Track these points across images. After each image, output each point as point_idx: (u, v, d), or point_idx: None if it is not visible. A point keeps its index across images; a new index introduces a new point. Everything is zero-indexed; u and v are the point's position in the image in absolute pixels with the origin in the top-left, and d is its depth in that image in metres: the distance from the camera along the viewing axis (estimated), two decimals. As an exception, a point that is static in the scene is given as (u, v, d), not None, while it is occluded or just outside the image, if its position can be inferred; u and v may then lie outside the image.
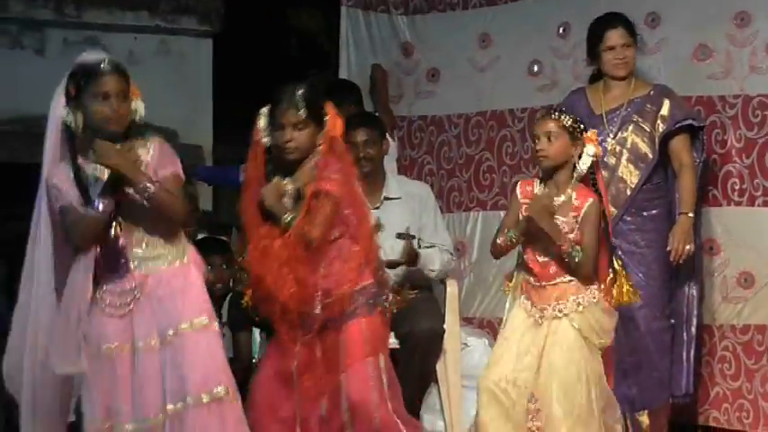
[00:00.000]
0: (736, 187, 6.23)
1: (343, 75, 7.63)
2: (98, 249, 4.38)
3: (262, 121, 4.88)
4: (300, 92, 4.78)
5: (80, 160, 4.37)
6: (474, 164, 7.20)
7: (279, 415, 4.81)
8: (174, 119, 7.71)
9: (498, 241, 5.17)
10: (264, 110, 4.89)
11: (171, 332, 4.39)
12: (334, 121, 4.87)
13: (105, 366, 4.39)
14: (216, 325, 4.51)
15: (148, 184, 4.31)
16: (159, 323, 4.40)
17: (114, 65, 4.37)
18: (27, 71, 7.75)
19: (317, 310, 4.76)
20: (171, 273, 4.46)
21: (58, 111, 4.38)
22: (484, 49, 7.20)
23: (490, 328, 6.94)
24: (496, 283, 7.00)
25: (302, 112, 4.77)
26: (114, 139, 4.34)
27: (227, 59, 8.39)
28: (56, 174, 4.37)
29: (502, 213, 6.97)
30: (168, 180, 4.41)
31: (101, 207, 4.30)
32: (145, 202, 4.34)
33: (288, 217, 4.73)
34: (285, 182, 4.83)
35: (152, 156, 4.42)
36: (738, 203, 6.23)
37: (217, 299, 6.50)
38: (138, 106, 4.43)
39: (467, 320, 6.83)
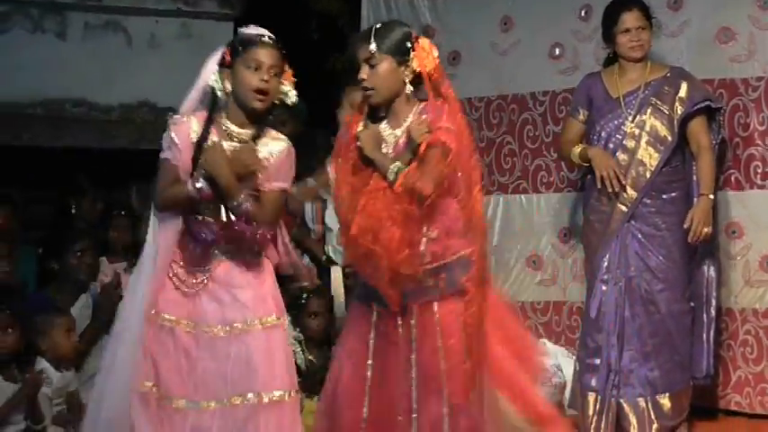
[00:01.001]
0: (759, 170, 6.21)
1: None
2: (191, 226, 4.32)
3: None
4: (377, 26, 4.38)
5: (212, 134, 4.28)
6: (495, 147, 7.18)
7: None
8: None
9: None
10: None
11: (239, 325, 4.34)
12: (421, 55, 4.36)
13: (159, 334, 4.35)
14: (285, 322, 4.45)
15: (243, 202, 4.23)
16: (227, 313, 4.34)
17: (275, 40, 4.29)
18: (48, 55, 7.78)
19: (422, 277, 4.31)
20: (244, 264, 4.38)
21: (208, 73, 4.30)
22: (505, 32, 7.18)
23: (511, 311, 6.95)
24: (517, 266, 7.00)
25: (373, 46, 4.32)
26: (256, 114, 4.27)
27: (248, 43, 8.38)
28: (180, 128, 4.27)
29: (524, 197, 7.03)
30: (273, 193, 4.30)
31: (199, 187, 4.21)
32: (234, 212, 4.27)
33: (395, 167, 4.28)
34: (383, 127, 4.42)
35: (275, 159, 4.32)
36: (762, 187, 6.21)
37: None
38: (290, 91, 4.33)
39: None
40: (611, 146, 5.91)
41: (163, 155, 4.29)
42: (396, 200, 4.25)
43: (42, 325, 5.67)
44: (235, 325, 4.34)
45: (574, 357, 6.16)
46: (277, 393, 4.31)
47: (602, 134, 5.94)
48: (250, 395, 4.29)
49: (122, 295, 5.77)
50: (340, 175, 4.45)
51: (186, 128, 4.27)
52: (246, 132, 4.31)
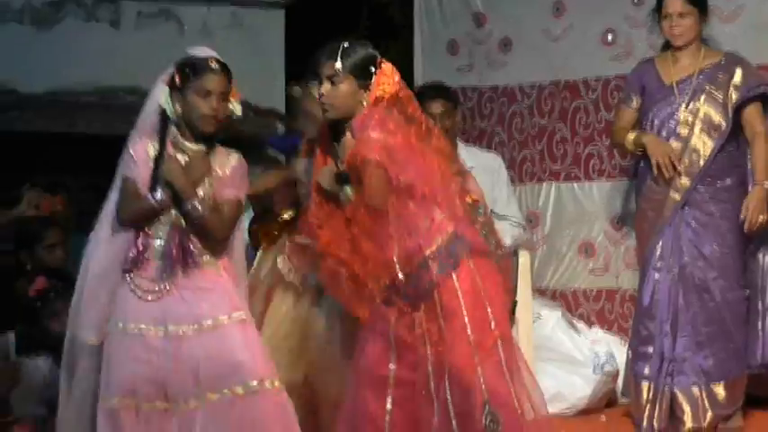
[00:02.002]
0: (815, 156, 6.14)
1: (414, 47, 7.62)
2: (138, 234, 4.41)
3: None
4: (344, 45, 4.41)
5: (167, 148, 4.41)
6: (547, 135, 7.16)
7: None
8: (246, 90, 7.68)
9: None
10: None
11: (209, 322, 4.38)
12: (381, 80, 4.40)
13: (129, 345, 4.36)
14: (252, 319, 4.49)
15: (197, 205, 4.35)
16: (194, 312, 4.38)
17: (222, 64, 4.41)
18: (102, 44, 7.84)
19: (400, 276, 4.34)
20: (202, 273, 4.43)
21: (159, 95, 4.43)
22: (557, 17, 7.15)
23: (563, 299, 6.94)
24: (569, 254, 6.98)
25: (338, 65, 4.38)
26: (204, 137, 4.41)
27: (299, 31, 8.40)
28: (138, 146, 4.42)
29: (575, 185, 7.00)
30: (227, 203, 4.42)
31: (158, 198, 4.36)
32: (191, 218, 4.37)
33: (344, 196, 4.44)
34: (347, 144, 4.47)
35: (226, 170, 4.45)
36: (817, 172, 6.14)
37: None
38: (236, 107, 4.46)
39: (539, 292, 6.82)
40: (663, 133, 5.86)
41: (123, 173, 4.43)
42: (354, 222, 4.37)
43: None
44: (204, 323, 4.38)
45: (626, 345, 6.13)
46: (252, 383, 4.32)
47: (655, 121, 5.90)
48: (225, 390, 4.31)
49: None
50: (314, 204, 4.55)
51: (143, 146, 4.41)
52: (199, 148, 4.43)
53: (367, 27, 9.12)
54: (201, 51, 4.47)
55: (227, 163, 4.46)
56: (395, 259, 4.35)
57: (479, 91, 7.43)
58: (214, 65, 4.39)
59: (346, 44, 4.40)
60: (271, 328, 5.01)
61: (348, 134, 4.44)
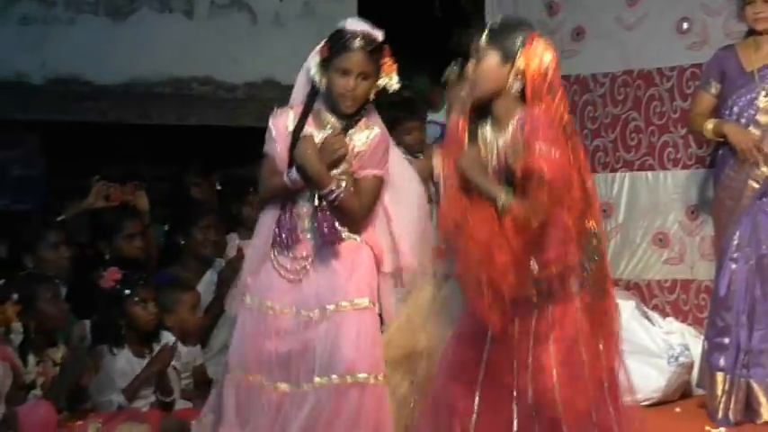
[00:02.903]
0: None
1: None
2: (285, 214, 4.43)
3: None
4: (496, 21, 4.23)
5: (306, 124, 4.41)
6: (620, 124, 7.10)
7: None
8: (319, 81, 7.75)
9: None
10: None
11: (331, 307, 4.41)
12: (528, 55, 4.08)
13: (262, 322, 4.45)
14: (376, 308, 4.49)
15: (334, 189, 4.35)
16: (322, 297, 4.42)
17: (366, 42, 4.37)
18: (175, 34, 7.87)
19: (533, 296, 4.11)
20: (342, 249, 4.45)
21: (311, 65, 4.42)
22: (632, 6, 7.08)
23: (637, 290, 6.88)
24: (643, 244, 6.92)
25: (483, 39, 4.10)
26: (343, 116, 4.39)
27: (371, 20, 8.38)
28: (279, 118, 4.44)
29: (650, 174, 6.94)
30: (366, 180, 4.41)
31: (292, 177, 4.37)
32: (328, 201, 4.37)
33: (502, 201, 4.05)
34: (487, 130, 4.17)
35: (367, 147, 4.44)
36: None
37: None
38: (388, 83, 4.44)
39: (614, 282, 6.75)
40: (743, 120, 5.81)
41: (264, 148, 4.46)
42: (503, 231, 4.06)
43: (169, 301, 5.77)
44: (328, 307, 4.41)
45: (701, 337, 6.08)
46: (361, 376, 4.34)
47: (735, 109, 5.83)
48: (334, 376, 4.35)
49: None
50: (449, 189, 4.24)
51: (284, 120, 4.43)
52: (341, 122, 4.41)
53: (439, 15, 9.09)
54: (352, 25, 4.43)
55: (370, 137, 4.43)
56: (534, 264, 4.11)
57: (551, 79, 7.37)
58: (357, 43, 4.35)
59: (499, 20, 4.25)
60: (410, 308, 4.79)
61: (516, 122, 4.10)
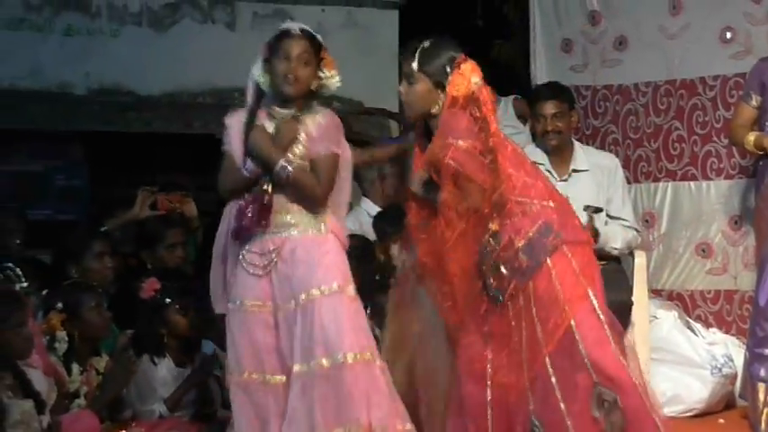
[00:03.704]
0: None
1: (530, 45, 7.59)
2: (248, 209, 4.51)
3: None
4: (424, 45, 4.51)
5: (257, 119, 4.57)
6: (663, 133, 7.07)
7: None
8: (360, 90, 7.79)
9: None
10: None
11: (303, 296, 4.48)
12: (456, 80, 4.44)
13: (249, 321, 4.53)
14: (350, 290, 4.53)
15: (284, 164, 4.44)
16: (294, 287, 4.49)
17: (304, 31, 4.57)
18: (218, 45, 7.93)
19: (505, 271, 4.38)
20: (308, 240, 4.54)
21: (254, 70, 4.63)
22: (674, 15, 7.05)
23: (680, 300, 6.84)
24: (686, 254, 6.89)
25: (414, 65, 4.48)
26: (287, 101, 4.51)
27: (413, 30, 8.40)
28: (234, 119, 4.63)
29: (692, 184, 6.91)
30: (319, 159, 4.50)
31: (248, 167, 4.51)
32: (281, 180, 4.47)
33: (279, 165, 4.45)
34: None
35: (315, 128, 4.53)
36: None
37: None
38: (328, 78, 4.57)
39: (656, 292, 6.74)
40: (782, 133, 5.79)
41: (222, 147, 4.62)
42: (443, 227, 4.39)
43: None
44: (300, 297, 4.47)
45: (745, 347, 6.04)
46: (342, 355, 4.39)
47: None
48: (312, 362, 4.40)
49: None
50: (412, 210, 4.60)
51: (238, 118, 4.61)
52: (289, 112, 4.54)
53: (480, 25, 9.10)
54: (287, 25, 4.64)
55: (317, 120, 4.53)
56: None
57: (593, 89, 7.36)
58: (294, 30, 4.55)
59: (426, 44, 4.49)
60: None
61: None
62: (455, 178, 4.35)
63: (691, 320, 6.59)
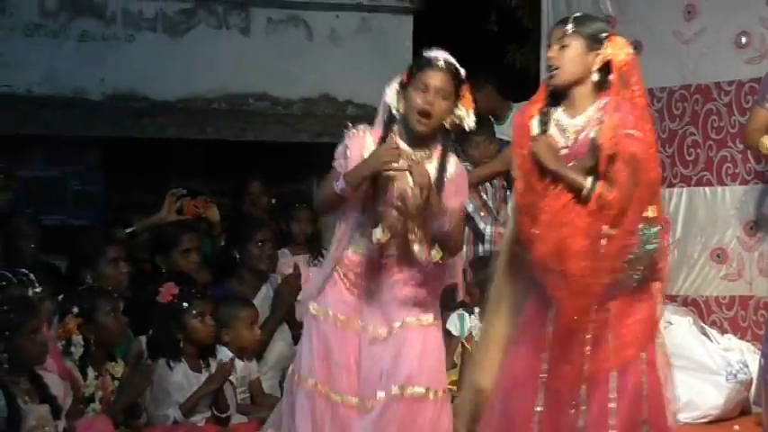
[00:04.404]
0: None
1: (543, 50, 7.57)
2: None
3: None
4: (576, 14, 4.32)
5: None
6: (678, 138, 7.05)
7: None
8: (374, 96, 7.73)
9: None
10: None
11: (398, 324, 4.42)
12: (615, 45, 4.23)
13: (330, 333, 4.45)
14: (439, 324, 4.50)
15: (446, 221, 4.32)
16: (388, 314, 4.43)
17: (449, 64, 4.35)
18: (232, 51, 7.95)
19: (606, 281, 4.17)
20: (412, 275, 4.46)
21: (388, 92, 4.42)
22: (689, 20, 7.03)
23: (695, 306, 6.82)
24: (701, 260, 6.87)
25: (569, 27, 4.21)
26: (417, 135, 4.35)
27: (427, 36, 8.39)
28: (355, 141, 4.41)
29: (708, 189, 6.89)
30: (454, 212, 4.37)
31: (340, 186, 4.32)
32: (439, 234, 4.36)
33: (588, 190, 4.10)
34: (559, 114, 4.25)
35: (451, 178, 4.40)
36: None
37: None
38: (464, 115, 4.39)
39: (670, 298, 6.71)
40: (796, 136, 5.77)
41: (334, 162, 4.44)
42: (582, 215, 4.13)
43: (227, 317, 5.79)
44: (394, 324, 4.41)
45: (760, 353, 6.02)
46: (415, 389, 4.35)
47: None
48: (394, 387, 4.35)
49: (302, 287, 5.90)
50: (522, 177, 4.29)
51: (361, 141, 4.40)
52: (417, 153, 4.38)
53: (495, 30, 9.10)
54: (433, 52, 4.41)
55: (450, 166, 4.40)
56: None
57: (608, 94, 7.34)
58: (438, 62, 4.33)
59: (579, 14, 4.33)
60: None
61: (597, 109, 4.22)
62: (632, 166, 4.10)
63: (706, 326, 6.57)
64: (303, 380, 4.47)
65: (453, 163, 4.42)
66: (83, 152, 7.74)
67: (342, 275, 4.46)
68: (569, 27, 4.20)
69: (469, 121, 4.39)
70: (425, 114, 4.31)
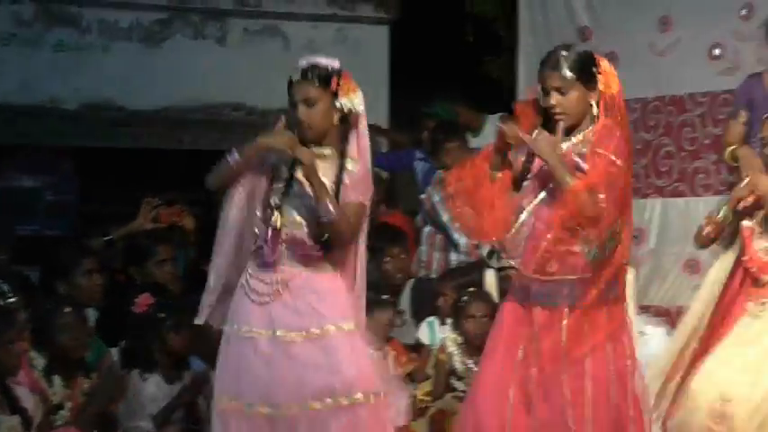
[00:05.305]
0: None
1: (520, 60, 7.60)
2: (257, 239, 4.45)
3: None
4: (564, 53, 4.48)
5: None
6: (652, 149, 7.08)
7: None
8: (351, 106, 7.77)
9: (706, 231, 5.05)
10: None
11: (317, 330, 4.40)
12: (607, 78, 4.53)
13: (241, 348, 4.43)
14: (361, 332, 4.48)
15: (332, 210, 4.33)
16: (303, 319, 4.41)
17: (304, 71, 4.43)
18: (209, 61, 7.94)
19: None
20: (319, 277, 4.46)
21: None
22: (663, 32, 7.07)
23: (668, 316, 6.83)
24: (675, 270, 6.89)
25: (566, 73, 4.45)
26: (306, 143, 4.40)
27: (404, 46, 8.43)
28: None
29: (681, 200, 6.91)
30: (351, 207, 4.40)
31: (232, 158, 4.44)
32: (322, 221, 4.37)
33: (569, 184, 4.37)
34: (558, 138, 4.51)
35: (350, 176, 4.43)
36: None
37: (396, 288, 6.57)
38: (349, 103, 4.43)
39: (644, 308, 6.73)
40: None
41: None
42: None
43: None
44: (312, 330, 4.40)
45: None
46: (356, 396, 4.35)
47: (760, 136, 5.81)
48: (333, 399, 4.34)
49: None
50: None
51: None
52: (320, 151, 4.43)
53: (471, 41, 9.11)
54: (302, 61, 4.49)
55: (346, 166, 4.44)
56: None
57: (583, 105, 7.36)
58: (296, 75, 4.43)
59: (564, 52, 4.48)
60: None
61: (581, 136, 4.49)
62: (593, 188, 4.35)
63: (679, 336, 6.59)
64: (217, 401, 4.46)
65: (359, 160, 4.46)
66: (57, 162, 7.73)
67: (248, 286, 4.46)
68: (567, 74, 4.43)
69: (357, 105, 4.44)
70: (305, 127, 4.40)
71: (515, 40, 7.75)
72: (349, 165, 4.44)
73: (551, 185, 4.47)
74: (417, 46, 8.54)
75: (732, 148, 5.83)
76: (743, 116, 5.93)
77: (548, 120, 4.53)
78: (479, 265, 6.64)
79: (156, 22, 7.95)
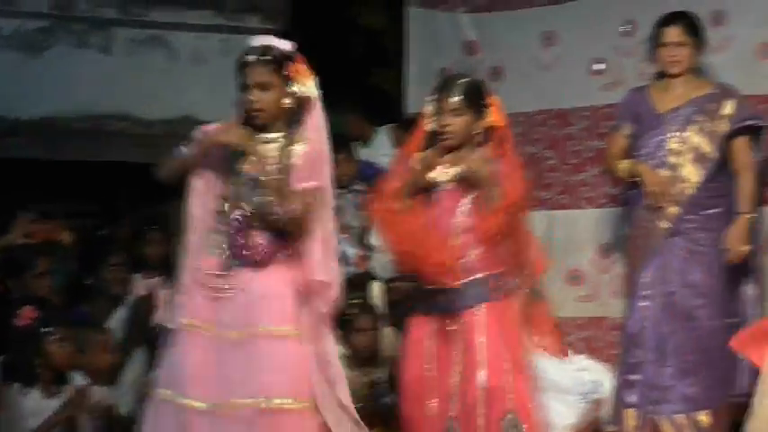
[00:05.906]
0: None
1: (407, 74, 7.64)
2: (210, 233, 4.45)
3: (429, 107, 5.10)
4: (461, 81, 5.06)
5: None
6: (536, 162, 7.15)
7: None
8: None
9: None
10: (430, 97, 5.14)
11: (252, 330, 4.41)
12: (496, 112, 5.10)
13: (183, 341, 4.44)
14: (299, 337, 4.47)
15: (282, 206, 4.34)
16: (244, 318, 4.41)
17: (259, 53, 4.48)
18: (93, 70, 7.85)
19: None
20: (266, 276, 4.45)
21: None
22: (547, 47, 7.16)
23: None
24: (558, 281, 6.95)
25: (458, 99, 4.99)
26: (258, 129, 4.42)
27: (292, 58, 8.40)
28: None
29: (564, 212, 6.99)
30: (307, 194, 4.40)
31: (182, 151, 4.48)
32: (278, 215, 4.37)
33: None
34: (444, 159, 5.06)
35: (303, 158, 4.45)
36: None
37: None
38: (302, 89, 4.47)
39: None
40: (653, 162, 5.88)
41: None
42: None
43: (82, 341, 5.71)
44: (249, 330, 4.40)
45: (613, 373, 6.12)
46: (282, 401, 4.36)
47: (646, 150, 5.92)
48: (251, 400, 4.35)
49: (155, 309, 5.85)
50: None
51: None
52: (264, 136, 4.46)
53: (359, 54, 9.13)
54: (255, 41, 4.56)
55: (303, 148, 4.44)
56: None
57: (470, 118, 7.41)
58: (249, 56, 4.46)
59: (463, 80, 5.10)
60: None
61: (474, 156, 5.05)
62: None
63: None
64: (157, 392, 4.46)
65: (309, 144, 4.46)
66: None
67: (199, 282, 4.45)
68: (460, 100, 5.01)
69: (311, 90, 4.49)
70: (256, 110, 4.40)
71: (403, 53, 7.78)
72: (299, 147, 4.43)
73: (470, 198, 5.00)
74: (305, 57, 8.51)
75: (629, 163, 5.91)
76: (627, 129, 6.02)
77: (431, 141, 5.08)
78: (366, 277, 6.65)
79: (37, 30, 7.83)
